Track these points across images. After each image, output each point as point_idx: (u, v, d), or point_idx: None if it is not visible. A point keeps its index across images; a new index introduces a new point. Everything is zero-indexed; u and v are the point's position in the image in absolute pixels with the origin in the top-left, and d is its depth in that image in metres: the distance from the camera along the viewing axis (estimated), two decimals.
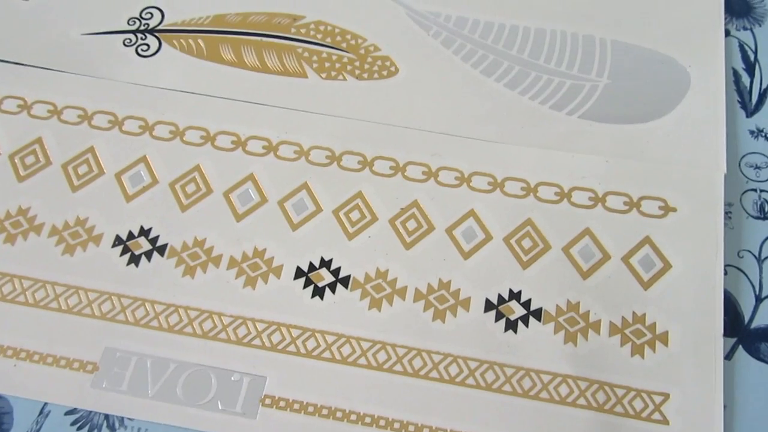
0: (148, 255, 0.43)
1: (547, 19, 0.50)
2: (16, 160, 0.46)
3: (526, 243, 0.43)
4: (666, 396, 0.38)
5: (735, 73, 0.49)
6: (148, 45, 0.50)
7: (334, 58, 0.49)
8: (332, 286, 0.42)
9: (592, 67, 0.49)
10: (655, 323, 0.40)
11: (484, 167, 0.45)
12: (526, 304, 0.41)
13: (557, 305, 0.41)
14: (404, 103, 0.48)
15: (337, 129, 0.47)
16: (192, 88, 0.48)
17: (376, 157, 0.46)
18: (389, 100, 0.48)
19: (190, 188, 0.45)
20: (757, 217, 0.44)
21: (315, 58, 0.49)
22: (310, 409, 0.39)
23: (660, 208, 0.44)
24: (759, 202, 0.44)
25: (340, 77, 0.49)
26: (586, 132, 0.46)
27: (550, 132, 0.46)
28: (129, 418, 0.39)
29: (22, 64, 0.49)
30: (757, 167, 0.46)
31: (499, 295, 0.41)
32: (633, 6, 0.50)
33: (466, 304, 0.41)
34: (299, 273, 0.42)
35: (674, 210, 0.43)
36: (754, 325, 0.41)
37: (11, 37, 0.50)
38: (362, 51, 0.49)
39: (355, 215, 0.44)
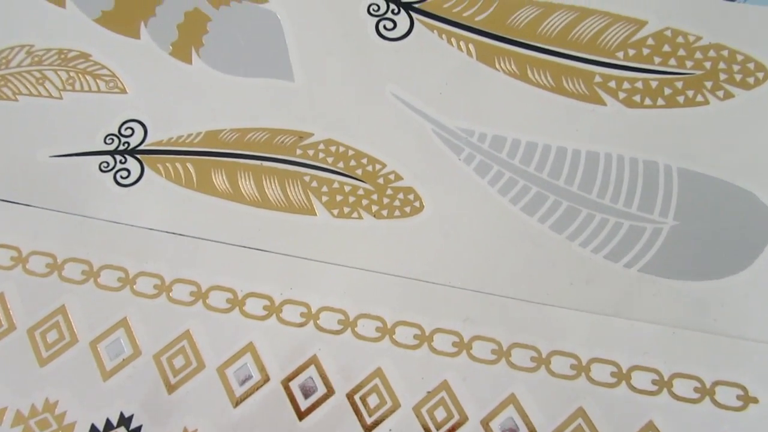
0: None
1: (600, 140, 0.42)
2: None
3: None
4: None
5: None
6: (128, 171, 0.42)
7: (348, 189, 0.42)
8: None
9: (654, 203, 0.41)
10: None
11: (526, 337, 0.38)
12: None
13: None
14: (430, 250, 0.40)
15: (352, 284, 0.39)
16: (179, 228, 0.41)
17: (398, 323, 0.39)
18: (413, 247, 0.40)
19: (179, 362, 0.38)
20: None
21: (325, 188, 0.42)
22: None
23: (738, 397, 0.36)
24: None
25: (355, 215, 0.41)
26: (648, 291, 0.39)
27: (605, 291, 0.39)
28: None
29: None
30: None
31: None
32: (704, 126, 0.42)
33: None
34: None
35: (755, 401, 0.36)
36: None
37: None
38: (381, 180, 0.42)
39: (372, 400, 0.37)
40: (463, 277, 0.40)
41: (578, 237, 0.40)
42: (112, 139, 0.43)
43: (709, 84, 0.43)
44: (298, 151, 0.43)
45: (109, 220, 0.41)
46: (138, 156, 0.43)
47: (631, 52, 0.44)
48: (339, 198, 0.41)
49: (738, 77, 0.43)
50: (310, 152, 0.43)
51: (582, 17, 0.45)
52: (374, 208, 0.41)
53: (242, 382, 0.38)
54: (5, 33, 0.46)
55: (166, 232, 0.41)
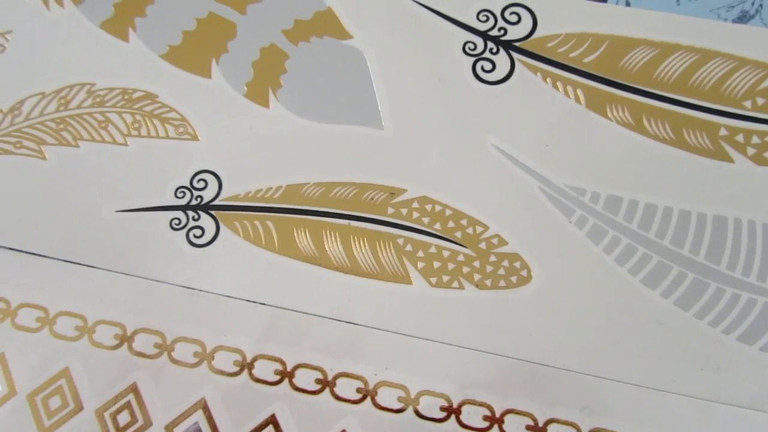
0: None
1: (727, 202, 0.38)
2: (37, 402, 0.35)
3: None
4: None
5: None
6: (202, 229, 0.38)
7: (446, 254, 0.37)
8: None
9: None
10: None
11: None
12: None
13: None
14: (541, 327, 0.36)
15: (453, 365, 0.35)
16: (259, 296, 0.37)
17: (507, 411, 0.34)
18: (521, 323, 0.36)
19: None
20: None
21: (421, 253, 0.37)
22: None
23: None
24: None
25: (455, 284, 0.37)
26: None
27: (740, 379, 0.35)
28: None
29: (40, 255, 0.38)
30: None
31: None
32: None
33: None
34: None
35: None
36: None
37: (25, 216, 0.39)
38: (483, 245, 0.37)
39: None
40: (578, 360, 0.35)
41: (707, 315, 0.36)
42: (184, 193, 0.39)
43: None
44: (390, 210, 0.38)
45: (183, 285, 0.37)
46: (212, 212, 0.39)
47: (761, 101, 0.39)
48: (437, 264, 0.37)
49: None
50: (403, 211, 0.38)
51: (704, 60, 0.40)
52: (476, 276, 0.37)
53: None
54: (64, 70, 0.41)
55: (246, 300, 0.37)
